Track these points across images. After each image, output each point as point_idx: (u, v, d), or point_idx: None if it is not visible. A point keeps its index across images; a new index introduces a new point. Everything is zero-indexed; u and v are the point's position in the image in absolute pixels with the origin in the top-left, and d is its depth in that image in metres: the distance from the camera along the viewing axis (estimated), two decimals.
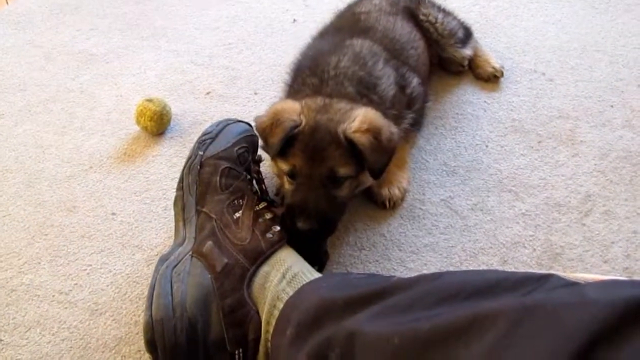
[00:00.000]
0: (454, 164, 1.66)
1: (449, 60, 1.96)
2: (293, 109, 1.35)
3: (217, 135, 1.42)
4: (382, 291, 0.94)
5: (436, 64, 1.99)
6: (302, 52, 1.69)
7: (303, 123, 1.32)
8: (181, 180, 1.37)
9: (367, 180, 1.42)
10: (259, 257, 1.19)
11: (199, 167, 1.35)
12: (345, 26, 1.75)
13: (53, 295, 1.38)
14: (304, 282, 1.13)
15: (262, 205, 1.32)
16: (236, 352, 1.11)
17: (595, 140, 1.72)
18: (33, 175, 1.69)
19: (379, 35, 1.67)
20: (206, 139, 1.41)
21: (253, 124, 1.47)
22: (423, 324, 0.78)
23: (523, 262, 1.41)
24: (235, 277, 1.15)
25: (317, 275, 1.17)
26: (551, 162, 1.66)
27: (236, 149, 1.40)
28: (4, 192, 1.65)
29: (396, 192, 1.53)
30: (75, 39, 2.28)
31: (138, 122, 1.76)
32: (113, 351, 1.27)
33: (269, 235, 1.23)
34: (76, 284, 1.41)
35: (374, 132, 1.31)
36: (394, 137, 1.36)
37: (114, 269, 1.43)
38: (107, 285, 1.40)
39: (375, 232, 1.50)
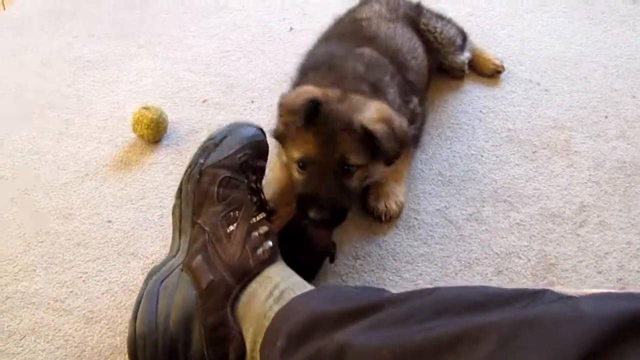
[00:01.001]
0: (449, 173, 1.67)
1: (450, 66, 1.98)
2: (316, 92, 1.37)
3: (220, 141, 1.39)
4: (374, 305, 0.94)
5: (436, 71, 2.00)
6: (310, 53, 1.71)
7: (320, 110, 1.33)
8: (180, 188, 1.36)
9: (376, 171, 1.44)
10: (245, 276, 1.17)
11: (198, 176, 1.33)
12: (348, 33, 1.76)
13: (48, 303, 1.38)
14: (294, 296, 1.13)
15: (260, 216, 1.30)
16: None
17: (589, 151, 1.73)
18: (29, 182, 1.69)
19: (382, 45, 1.68)
20: (209, 145, 1.38)
21: (264, 128, 1.50)
22: (414, 338, 0.79)
23: (517, 273, 1.42)
24: (220, 295, 1.15)
25: (306, 289, 1.16)
26: (546, 172, 1.67)
27: (239, 156, 1.37)
28: (0, 198, 1.65)
29: (393, 206, 1.53)
30: (71, 45, 2.28)
31: (134, 130, 1.76)
32: None
33: (259, 252, 1.21)
34: (71, 291, 1.41)
35: (388, 122, 1.33)
36: (404, 128, 1.39)
37: (110, 277, 1.43)
38: (103, 294, 1.40)
39: (370, 241, 1.50)
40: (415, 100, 1.65)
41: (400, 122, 1.39)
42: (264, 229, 1.27)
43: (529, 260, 1.45)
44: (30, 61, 2.20)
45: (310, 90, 1.39)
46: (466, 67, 1.99)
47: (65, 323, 1.34)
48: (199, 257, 1.21)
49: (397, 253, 1.47)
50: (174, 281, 1.19)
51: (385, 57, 1.64)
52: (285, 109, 1.39)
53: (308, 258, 1.37)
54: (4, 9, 2.54)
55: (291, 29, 2.29)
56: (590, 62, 2.07)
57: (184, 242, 1.27)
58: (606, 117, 1.84)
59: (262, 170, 1.45)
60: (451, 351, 0.73)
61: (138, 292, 1.35)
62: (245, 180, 1.35)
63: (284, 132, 1.41)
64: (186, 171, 1.37)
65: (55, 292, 1.41)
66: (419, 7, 1.96)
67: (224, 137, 1.40)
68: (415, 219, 1.55)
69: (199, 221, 1.27)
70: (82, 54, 2.23)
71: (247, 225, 1.26)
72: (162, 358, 1.10)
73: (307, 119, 1.31)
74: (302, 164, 1.37)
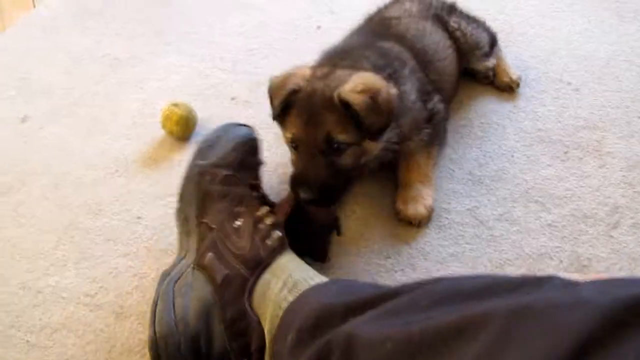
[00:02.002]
0: (479, 173, 1.65)
1: (473, 70, 1.95)
2: (302, 74, 1.39)
3: (215, 142, 1.43)
4: (382, 296, 0.94)
5: (463, 73, 1.97)
6: (333, 45, 1.70)
7: (303, 89, 1.34)
8: (181, 192, 1.38)
9: (373, 148, 1.42)
10: (259, 265, 1.18)
11: (197, 177, 1.35)
12: (376, 30, 1.75)
13: (79, 298, 1.39)
14: (306, 289, 1.13)
15: (263, 210, 1.31)
16: None
17: (622, 152, 1.70)
18: (59, 178, 1.70)
19: (409, 43, 1.67)
20: (203, 147, 1.42)
21: (254, 127, 1.55)
22: (413, 328, 0.78)
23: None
24: (236, 288, 1.15)
25: (318, 281, 1.17)
26: (578, 173, 1.64)
27: (234, 154, 1.40)
28: (30, 194, 1.66)
29: (422, 210, 1.50)
30: (100, 43, 2.30)
31: (164, 127, 1.77)
32: (138, 355, 1.28)
33: (268, 241, 1.22)
34: (102, 287, 1.41)
35: (371, 92, 1.32)
36: (392, 99, 1.36)
37: (140, 273, 1.44)
38: (133, 289, 1.40)
39: (400, 240, 1.49)
40: (435, 98, 1.63)
41: (388, 92, 1.36)
42: (269, 219, 1.28)
43: (561, 261, 1.43)
44: (59, 59, 2.22)
45: (295, 73, 1.41)
46: (491, 74, 1.94)
47: (95, 318, 1.35)
48: (210, 254, 1.21)
49: (428, 252, 1.46)
50: (188, 281, 1.19)
51: (409, 53, 1.63)
52: (269, 94, 1.44)
53: (314, 235, 1.38)
54: (34, 6, 2.57)
55: (318, 27, 2.28)
56: (622, 62, 2.04)
57: (192, 243, 1.28)
58: (639, 117, 1.81)
59: (257, 166, 1.47)
60: (452, 340, 0.73)
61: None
62: (244, 177, 1.37)
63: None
64: (185, 174, 1.39)
65: (86, 287, 1.42)
66: (452, 7, 1.93)
67: (218, 138, 1.44)
68: (446, 218, 1.54)
69: (204, 220, 1.28)
70: (109, 52, 2.24)
71: (253, 218, 1.27)
72: (186, 358, 1.11)
73: (284, 109, 1.36)
74: (294, 145, 1.39)
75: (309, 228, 1.37)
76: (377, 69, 1.46)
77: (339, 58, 1.50)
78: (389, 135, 1.44)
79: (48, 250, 1.51)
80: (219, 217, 1.27)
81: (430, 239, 1.49)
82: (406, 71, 1.55)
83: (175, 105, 1.75)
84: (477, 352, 0.69)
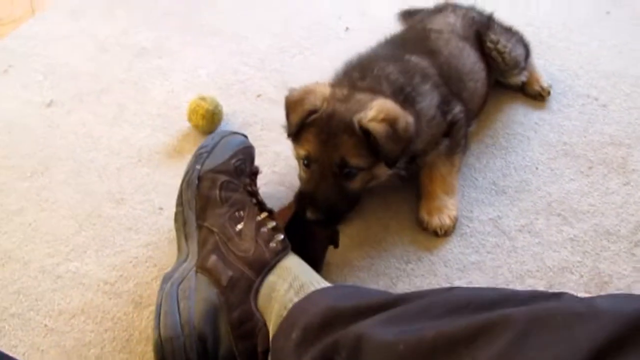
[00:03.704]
0: (503, 183, 1.64)
1: (506, 83, 1.94)
2: (321, 92, 1.39)
3: (213, 148, 1.43)
4: (391, 302, 0.96)
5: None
6: (361, 53, 1.68)
7: (321, 109, 1.34)
8: (180, 195, 1.39)
9: (381, 173, 1.44)
10: (264, 267, 1.19)
11: (197, 181, 1.36)
12: (412, 40, 1.74)
13: (98, 285, 1.40)
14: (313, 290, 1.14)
15: (263, 215, 1.31)
16: None
17: None
18: (83, 165, 1.71)
19: (441, 59, 1.66)
20: (203, 153, 1.42)
21: (249, 138, 1.55)
22: (428, 332, 0.80)
23: (570, 288, 1.39)
24: (241, 290, 1.15)
25: (325, 284, 1.17)
26: (601, 188, 1.63)
27: (233, 161, 1.41)
28: (53, 179, 1.67)
29: (447, 221, 1.50)
30: (127, 32, 2.30)
31: (190, 119, 1.77)
32: None
33: (272, 244, 1.23)
34: (121, 275, 1.42)
35: (390, 121, 1.33)
36: (410, 128, 1.37)
37: (160, 264, 1.44)
38: (152, 279, 1.41)
39: (421, 246, 1.49)
40: (457, 108, 1.61)
41: (406, 121, 1.37)
42: (271, 224, 1.29)
43: (582, 276, 1.42)
44: (86, 46, 2.23)
45: (314, 91, 1.40)
46: (522, 83, 1.94)
47: (114, 306, 1.36)
48: (213, 257, 1.21)
49: (449, 260, 1.45)
50: (191, 284, 1.19)
51: (435, 70, 1.61)
52: (285, 107, 1.43)
53: (311, 247, 1.38)
54: None
55: (347, 28, 2.28)
56: None
57: (192, 247, 1.28)
58: None
59: (255, 174, 1.48)
60: (466, 347, 0.74)
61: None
62: (242, 184, 1.38)
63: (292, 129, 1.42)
64: (184, 179, 1.40)
65: (106, 274, 1.42)
66: (490, 21, 1.90)
67: (216, 144, 1.45)
68: (468, 226, 1.53)
69: (205, 224, 1.29)
70: (137, 41, 2.25)
71: (254, 222, 1.28)
72: (193, 359, 1.10)
73: (300, 128, 1.36)
74: (307, 162, 1.40)
75: (307, 237, 1.37)
76: (396, 92, 1.46)
77: (358, 76, 1.49)
78: (401, 162, 1.44)
79: (69, 236, 1.51)
80: (219, 221, 1.28)
81: (451, 247, 1.49)
82: (427, 87, 1.54)
83: (203, 99, 1.76)
84: (496, 352, 0.70)
